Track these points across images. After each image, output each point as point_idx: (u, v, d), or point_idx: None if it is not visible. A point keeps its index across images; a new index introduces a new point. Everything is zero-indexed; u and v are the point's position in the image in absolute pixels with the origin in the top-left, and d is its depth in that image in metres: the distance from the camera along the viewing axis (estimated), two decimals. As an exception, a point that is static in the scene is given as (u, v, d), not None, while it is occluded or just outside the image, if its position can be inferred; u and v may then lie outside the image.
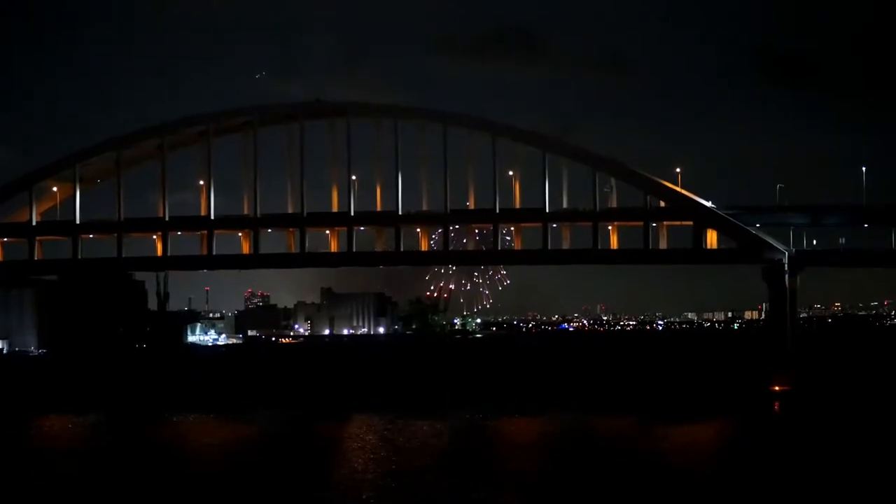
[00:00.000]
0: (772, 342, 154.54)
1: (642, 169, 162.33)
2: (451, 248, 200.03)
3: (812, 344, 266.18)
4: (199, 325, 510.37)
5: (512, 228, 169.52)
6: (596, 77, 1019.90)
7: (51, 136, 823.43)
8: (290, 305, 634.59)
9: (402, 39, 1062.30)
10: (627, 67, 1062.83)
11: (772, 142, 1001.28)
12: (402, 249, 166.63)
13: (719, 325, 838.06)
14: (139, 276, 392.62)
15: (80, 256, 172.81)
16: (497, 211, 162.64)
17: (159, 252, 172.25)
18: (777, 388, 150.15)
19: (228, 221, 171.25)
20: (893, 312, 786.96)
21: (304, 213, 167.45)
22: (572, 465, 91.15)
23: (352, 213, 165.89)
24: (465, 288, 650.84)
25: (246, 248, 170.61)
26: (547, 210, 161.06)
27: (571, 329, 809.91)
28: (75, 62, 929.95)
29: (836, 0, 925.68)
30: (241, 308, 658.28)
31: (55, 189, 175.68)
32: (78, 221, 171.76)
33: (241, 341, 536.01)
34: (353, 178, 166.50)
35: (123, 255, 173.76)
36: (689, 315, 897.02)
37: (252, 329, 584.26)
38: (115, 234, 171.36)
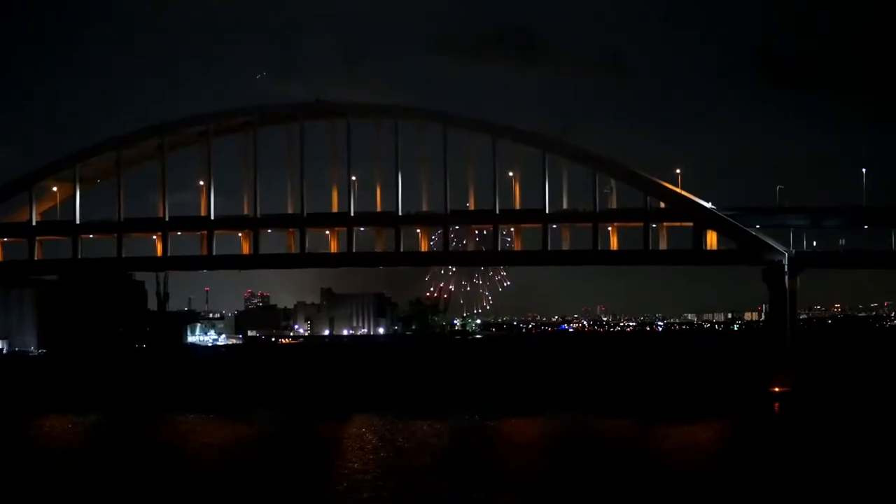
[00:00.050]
0: (772, 343, 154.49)
1: (642, 169, 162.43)
2: (451, 248, 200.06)
3: (812, 345, 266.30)
4: (198, 325, 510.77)
5: (512, 229, 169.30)
6: (596, 77, 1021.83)
7: (51, 136, 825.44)
8: (290, 306, 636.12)
9: (402, 39, 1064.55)
10: (627, 67, 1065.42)
11: (772, 142, 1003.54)
12: (401, 250, 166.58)
13: (719, 327, 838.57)
14: (139, 276, 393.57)
15: (80, 256, 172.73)
16: (497, 212, 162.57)
17: (159, 252, 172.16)
18: (777, 389, 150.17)
19: (228, 222, 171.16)
20: (893, 314, 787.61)
21: (304, 214, 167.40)
22: (572, 465, 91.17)
23: (352, 214, 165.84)
24: (466, 289, 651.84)
25: (246, 249, 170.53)
26: (547, 211, 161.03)
27: (571, 330, 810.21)
28: (75, 62, 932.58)
29: (836, 1, 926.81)
30: (241, 308, 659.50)
31: (55, 189, 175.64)
32: (78, 221, 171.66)
33: (240, 341, 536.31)
34: (353, 178, 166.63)
35: (123, 256, 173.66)
36: (689, 316, 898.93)
37: (252, 329, 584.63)
38: (115, 235, 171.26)
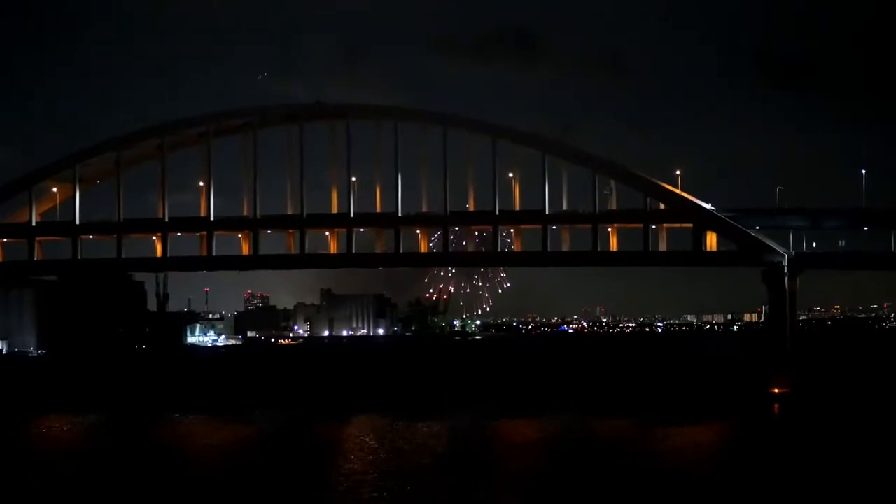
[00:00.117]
0: (771, 344, 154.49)
1: (642, 170, 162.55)
2: (450, 249, 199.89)
3: (811, 346, 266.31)
4: (198, 325, 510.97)
5: (512, 230, 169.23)
6: (596, 77, 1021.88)
7: (51, 136, 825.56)
8: (290, 306, 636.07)
9: (402, 39, 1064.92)
10: (627, 67, 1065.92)
11: (772, 142, 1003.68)
12: (401, 251, 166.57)
13: (719, 328, 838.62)
14: (139, 276, 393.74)
15: (79, 257, 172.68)
16: (497, 213, 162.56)
17: (159, 253, 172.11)
18: (776, 390, 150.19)
19: (228, 222, 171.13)
20: (893, 315, 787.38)
21: (304, 215, 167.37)
22: (572, 466, 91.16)
23: (351, 215, 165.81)
24: (465, 290, 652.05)
25: (245, 250, 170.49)
26: (547, 212, 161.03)
27: (571, 331, 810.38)
28: (75, 62, 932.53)
29: (836, 1, 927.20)
30: (241, 309, 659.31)
31: (55, 189, 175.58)
32: (78, 222, 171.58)
33: (240, 342, 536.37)
34: (353, 179, 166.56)
35: (123, 256, 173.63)
36: (689, 317, 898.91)
37: (251, 330, 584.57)
38: (115, 235, 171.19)
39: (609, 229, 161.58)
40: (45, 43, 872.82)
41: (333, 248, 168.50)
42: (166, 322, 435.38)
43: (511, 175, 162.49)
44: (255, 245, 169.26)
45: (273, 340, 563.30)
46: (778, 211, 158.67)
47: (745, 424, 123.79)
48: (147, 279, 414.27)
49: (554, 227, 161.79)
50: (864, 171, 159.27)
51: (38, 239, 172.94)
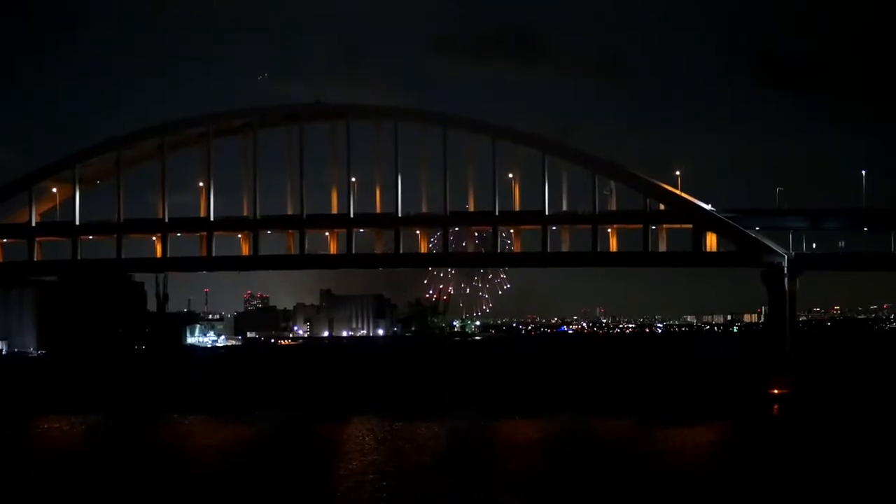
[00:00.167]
0: (771, 345, 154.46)
1: (642, 170, 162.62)
2: (450, 250, 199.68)
3: (811, 347, 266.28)
4: (198, 326, 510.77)
5: (511, 231, 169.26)
6: (596, 77, 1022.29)
7: (51, 136, 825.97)
8: (290, 307, 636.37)
9: (402, 39, 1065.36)
10: (627, 67, 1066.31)
11: (771, 143, 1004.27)
12: (401, 251, 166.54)
13: (718, 328, 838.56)
14: (138, 277, 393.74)
15: (79, 257, 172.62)
16: (497, 213, 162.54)
17: (159, 253, 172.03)
18: (776, 391, 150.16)
19: (228, 223, 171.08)
20: (893, 316, 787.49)
21: (304, 215, 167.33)
22: (572, 466, 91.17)
23: (351, 215, 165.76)
24: (465, 291, 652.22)
25: (245, 250, 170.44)
26: (546, 212, 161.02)
27: (570, 332, 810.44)
28: (75, 62, 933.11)
29: (836, 1, 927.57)
30: (241, 309, 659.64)
31: (55, 190, 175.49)
32: (78, 222, 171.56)
33: (240, 343, 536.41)
34: (353, 179, 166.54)
35: (123, 257, 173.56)
36: (689, 318, 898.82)
37: (251, 330, 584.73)
38: (115, 236, 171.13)
39: (609, 230, 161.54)
40: (45, 43, 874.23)
41: (333, 249, 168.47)
42: (166, 322, 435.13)
43: (511, 175, 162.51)
44: (254, 245, 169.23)
45: (273, 341, 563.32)
46: (778, 211, 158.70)
47: (745, 425, 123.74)
48: (147, 280, 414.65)
49: (554, 228, 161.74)
50: (864, 172, 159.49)
51: (37, 239, 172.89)
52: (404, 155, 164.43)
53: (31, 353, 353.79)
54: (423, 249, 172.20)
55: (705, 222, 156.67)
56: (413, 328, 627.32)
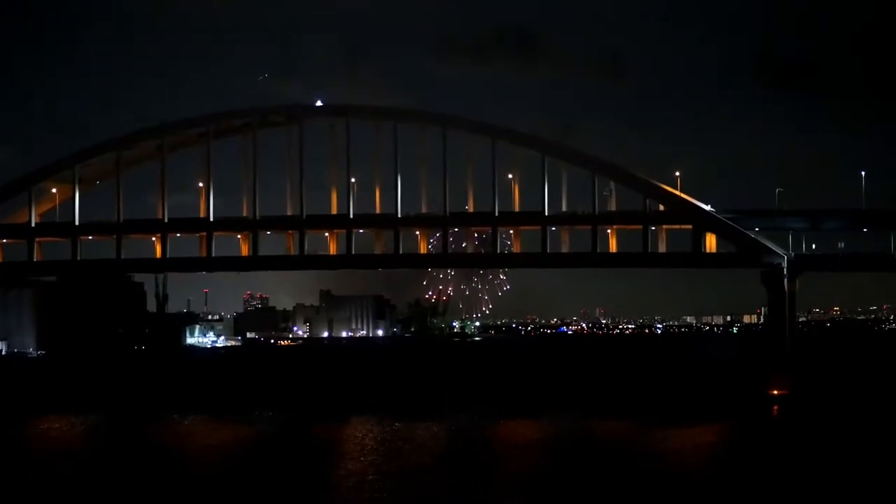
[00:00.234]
0: (770, 346, 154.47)
1: (641, 171, 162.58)
2: (450, 250, 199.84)
3: (811, 348, 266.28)
4: (197, 326, 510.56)
5: (511, 231, 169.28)
6: (596, 77, 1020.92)
7: (51, 136, 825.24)
8: (289, 307, 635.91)
9: (402, 39, 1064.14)
10: (627, 68, 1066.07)
11: (772, 143, 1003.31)
12: (401, 252, 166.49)
13: (718, 329, 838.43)
14: (138, 277, 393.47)
15: (79, 258, 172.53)
16: (496, 214, 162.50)
17: (158, 254, 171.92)
18: (776, 391, 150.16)
19: (228, 223, 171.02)
20: (892, 316, 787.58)
21: (304, 216, 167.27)
22: (571, 467, 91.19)
23: (351, 216, 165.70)
24: (465, 292, 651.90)
25: (245, 250, 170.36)
26: (546, 213, 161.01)
27: (570, 332, 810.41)
28: (75, 62, 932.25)
29: (836, 2, 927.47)
30: (240, 310, 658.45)
31: (54, 190, 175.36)
32: (77, 223, 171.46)
33: (239, 343, 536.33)
34: (353, 180, 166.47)
35: (122, 257, 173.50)
36: (688, 318, 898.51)
37: (251, 331, 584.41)
38: (115, 236, 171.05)
39: (608, 231, 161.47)
40: (45, 43, 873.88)
41: (333, 249, 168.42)
42: (165, 323, 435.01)
43: (510, 176, 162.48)
44: (254, 246, 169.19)
45: (272, 341, 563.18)
46: (777, 212, 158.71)
47: (745, 426, 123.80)
48: (146, 280, 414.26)
49: (553, 229, 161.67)
50: (863, 172, 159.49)
51: (37, 239, 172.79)
52: (404, 155, 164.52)
53: (30, 353, 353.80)
54: (423, 250, 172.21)
55: (705, 223, 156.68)
56: (413, 329, 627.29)
